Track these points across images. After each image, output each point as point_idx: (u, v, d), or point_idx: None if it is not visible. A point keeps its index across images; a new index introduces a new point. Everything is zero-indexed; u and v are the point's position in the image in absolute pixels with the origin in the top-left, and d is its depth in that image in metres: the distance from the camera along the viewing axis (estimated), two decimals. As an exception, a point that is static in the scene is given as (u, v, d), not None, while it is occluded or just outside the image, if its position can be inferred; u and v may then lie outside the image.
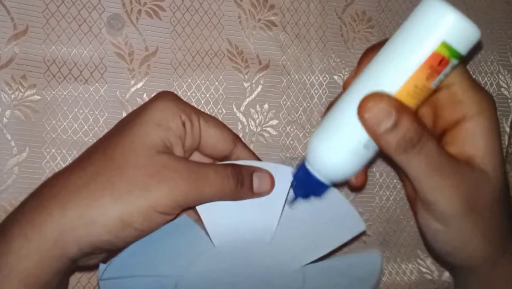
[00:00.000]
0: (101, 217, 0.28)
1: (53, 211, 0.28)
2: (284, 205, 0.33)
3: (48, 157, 0.38)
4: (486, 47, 0.49)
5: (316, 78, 0.44)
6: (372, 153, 0.30)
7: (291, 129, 0.43)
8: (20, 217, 0.28)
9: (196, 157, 0.34)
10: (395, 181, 0.46)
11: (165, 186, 0.28)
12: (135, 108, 0.34)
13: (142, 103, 0.34)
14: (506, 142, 0.49)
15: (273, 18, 0.44)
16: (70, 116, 0.39)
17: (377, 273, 0.33)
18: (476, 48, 0.27)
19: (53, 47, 0.39)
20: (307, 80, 0.44)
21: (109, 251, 0.31)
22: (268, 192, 0.33)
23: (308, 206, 0.33)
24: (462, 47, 0.27)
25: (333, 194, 0.34)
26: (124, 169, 0.29)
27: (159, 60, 0.41)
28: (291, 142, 0.43)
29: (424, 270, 0.46)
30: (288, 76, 0.44)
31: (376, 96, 0.27)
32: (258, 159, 0.35)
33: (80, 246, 0.28)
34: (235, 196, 0.31)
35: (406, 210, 0.46)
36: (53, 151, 0.38)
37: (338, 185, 0.33)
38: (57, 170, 0.36)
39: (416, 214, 0.33)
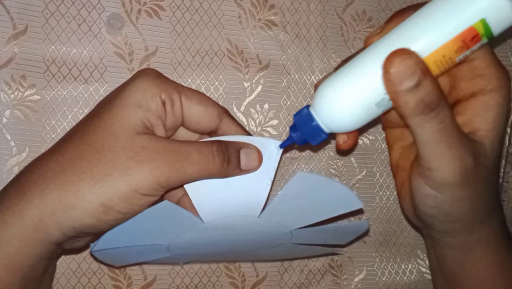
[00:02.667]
0: (80, 201, 0.28)
1: (33, 196, 0.28)
2: (273, 180, 0.33)
3: (47, 157, 0.38)
4: (486, 47, 0.49)
5: (316, 78, 0.44)
6: (379, 112, 0.30)
7: (291, 129, 0.43)
8: (0, 203, 0.28)
9: (183, 132, 0.34)
10: (395, 181, 0.46)
11: (145, 168, 0.28)
12: None
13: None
14: (506, 143, 0.49)
15: (273, 17, 0.43)
16: (69, 116, 0.39)
17: (362, 232, 0.38)
18: (508, 33, 0.27)
19: (52, 47, 0.39)
20: (307, 80, 0.44)
21: (94, 234, 0.31)
22: (256, 168, 0.32)
23: (304, 187, 0.33)
24: (497, 28, 0.27)
25: (330, 182, 0.33)
26: (103, 153, 0.28)
27: (159, 60, 0.41)
28: (291, 142, 0.43)
29: (424, 270, 0.46)
30: (288, 76, 0.43)
31: (405, 52, 0.27)
32: (247, 133, 0.35)
33: (62, 230, 0.28)
34: (222, 173, 0.31)
35: (406, 210, 0.46)
36: (53, 151, 0.38)
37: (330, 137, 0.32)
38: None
39: (397, 180, 0.35)
